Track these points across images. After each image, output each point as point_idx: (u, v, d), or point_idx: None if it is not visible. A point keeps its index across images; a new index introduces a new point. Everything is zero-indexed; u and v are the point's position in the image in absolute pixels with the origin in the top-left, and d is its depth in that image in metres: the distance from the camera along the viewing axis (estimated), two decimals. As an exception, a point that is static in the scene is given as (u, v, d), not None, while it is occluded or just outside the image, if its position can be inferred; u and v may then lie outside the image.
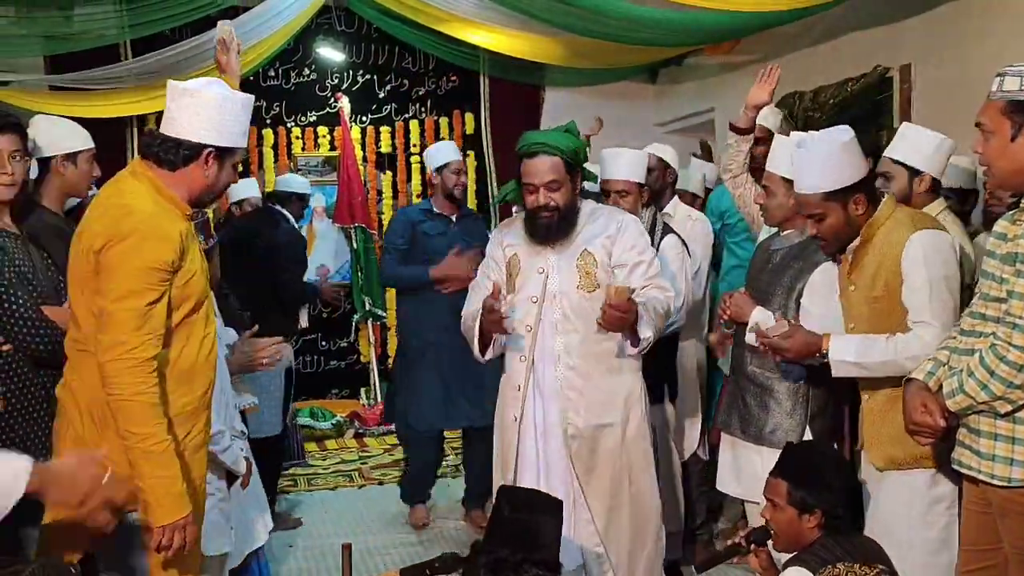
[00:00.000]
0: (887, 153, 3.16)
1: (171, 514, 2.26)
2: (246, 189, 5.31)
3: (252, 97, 2.48)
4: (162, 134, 2.37)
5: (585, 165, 3.13)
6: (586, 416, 3.01)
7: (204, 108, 2.35)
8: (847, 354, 2.64)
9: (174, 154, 2.35)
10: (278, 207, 5.01)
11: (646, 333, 2.89)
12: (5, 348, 2.75)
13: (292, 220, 5.02)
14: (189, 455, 2.41)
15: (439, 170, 4.77)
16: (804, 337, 2.73)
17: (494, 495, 2.98)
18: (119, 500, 2.03)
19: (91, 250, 2.26)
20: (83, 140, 3.29)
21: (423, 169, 7.20)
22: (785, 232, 3.15)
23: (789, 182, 3.03)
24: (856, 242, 2.71)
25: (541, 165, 2.97)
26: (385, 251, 4.86)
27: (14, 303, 2.70)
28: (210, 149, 2.37)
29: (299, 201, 5.14)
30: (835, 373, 2.69)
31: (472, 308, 3.13)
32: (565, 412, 3.01)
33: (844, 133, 2.70)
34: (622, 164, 3.67)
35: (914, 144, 3.13)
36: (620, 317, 2.78)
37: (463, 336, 3.19)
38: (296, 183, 5.23)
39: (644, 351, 2.99)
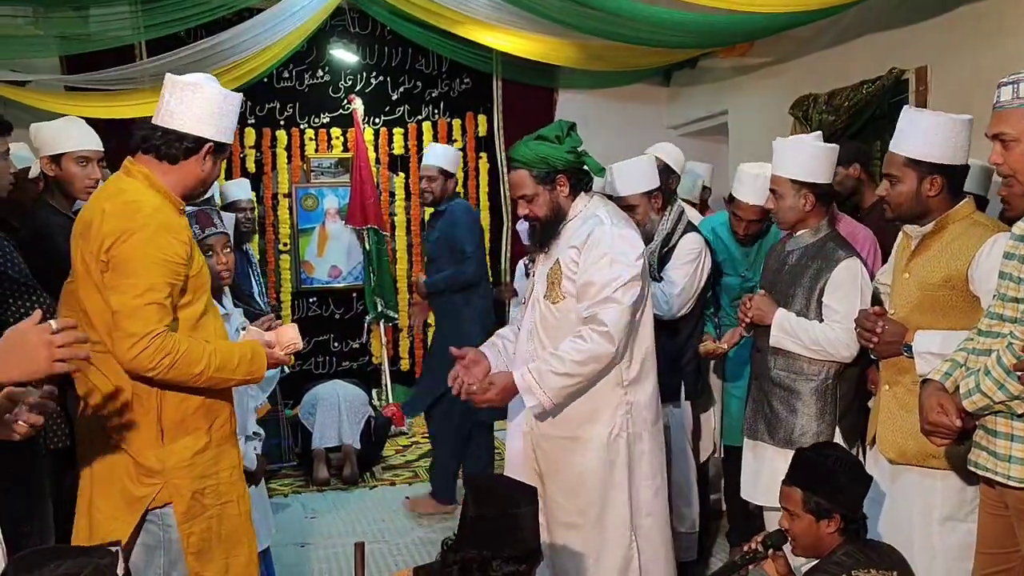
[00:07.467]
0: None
1: (262, 366, 2.44)
2: (239, 190, 5.30)
3: (242, 96, 2.53)
4: (163, 127, 2.38)
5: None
6: (539, 424, 2.92)
7: (206, 103, 2.38)
8: (931, 346, 2.58)
9: (176, 147, 2.38)
10: None
11: (531, 402, 2.80)
12: None
13: None
14: (216, 447, 2.43)
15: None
16: (894, 326, 2.67)
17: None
18: (79, 348, 1.81)
19: (101, 250, 2.25)
20: (71, 143, 3.22)
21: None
22: (799, 233, 3.13)
23: (796, 184, 3.05)
24: (929, 228, 2.68)
25: (513, 179, 2.98)
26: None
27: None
28: (210, 143, 2.41)
29: None
30: (920, 368, 2.58)
31: None
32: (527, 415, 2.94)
33: (964, 119, 2.66)
34: (623, 179, 3.64)
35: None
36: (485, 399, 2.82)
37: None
38: None
39: (540, 412, 2.84)
